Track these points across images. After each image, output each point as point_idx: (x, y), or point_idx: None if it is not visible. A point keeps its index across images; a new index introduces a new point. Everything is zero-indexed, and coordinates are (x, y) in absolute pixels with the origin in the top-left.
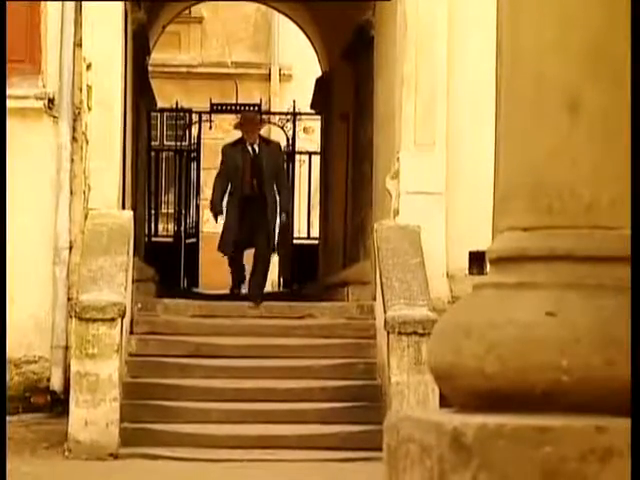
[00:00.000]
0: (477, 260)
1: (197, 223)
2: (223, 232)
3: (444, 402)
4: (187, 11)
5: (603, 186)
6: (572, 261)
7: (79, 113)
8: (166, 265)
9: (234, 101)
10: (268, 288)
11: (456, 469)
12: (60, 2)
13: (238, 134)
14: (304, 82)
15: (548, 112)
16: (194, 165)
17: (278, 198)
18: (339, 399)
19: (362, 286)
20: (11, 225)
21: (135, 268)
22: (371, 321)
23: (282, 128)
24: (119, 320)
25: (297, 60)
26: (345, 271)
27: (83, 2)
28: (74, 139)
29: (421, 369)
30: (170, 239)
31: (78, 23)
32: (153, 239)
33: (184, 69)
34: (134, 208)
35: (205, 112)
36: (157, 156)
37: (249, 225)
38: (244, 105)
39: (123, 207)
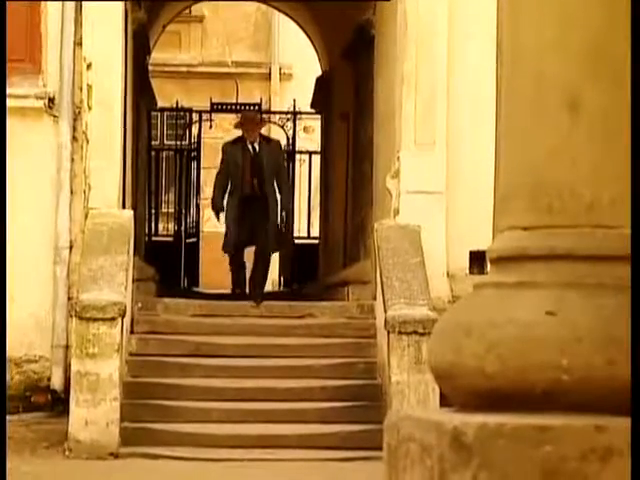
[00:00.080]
0: (477, 259)
1: (197, 222)
2: (225, 232)
3: (444, 401)
4: (187, 10)
5: (603, 185)
6: (572, 260)
7: (79, 112)
8: (166, 264)
9: (234, 100)
10: (268, 287)
11: (456, 468)
12: (60, 2)
13: (238, 133)
14: (304, 81)
15: (548, 111)
16: (194, 164)
17: (279, 196)
18: (339, 398)
19: (362, 285)
20: (11, 224)
21: (135, 267)
22: (371, 320)
23: (282, 127)
24: (119, 319)
25: (297, 59)
26: (345, 270)
27: (83, 2)
28: (74, 138)
29: (421, 368)
30: (170, 238)
31: (78, 22)
32: (153, 238)
33: (184, 68)
34: (134, 207)
35: (205, 111)
36: (157, 155)
37: (249, 224)
38: (244, 104)
39: (123, 206)
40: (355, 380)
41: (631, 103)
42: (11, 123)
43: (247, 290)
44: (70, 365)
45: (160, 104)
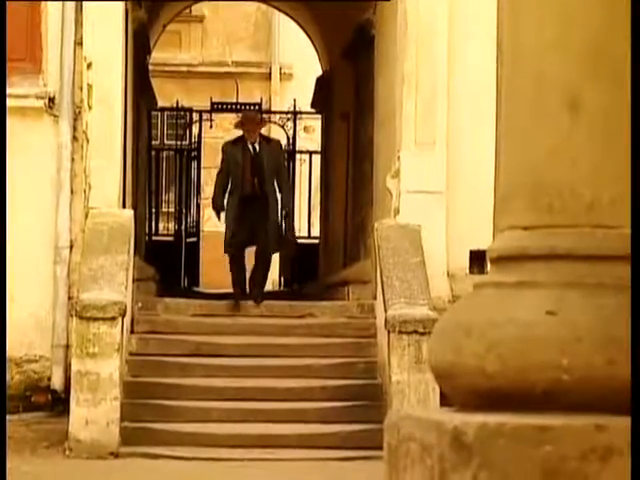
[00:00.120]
0: (478, 259)
1: (198, 222)
2: (225, 231)
3: (445, 401)
4: (188, 10)
5: (603, 185)
6: (572, 260)
7: (79, 112)
8: (167, 264)
9: (235, 100)
10: (269, 287)
11: (457, 468)
12: (61, 2)
13: (238, 133)
14: (304, 81)
15: (548, 111)
16: (195, 164)
17: (279, 196)
18: (339, 398)
19: (362, 285)
20: (12, 224)
21: (136, 267)
22: (372, 320)
23: (282, 127)
24: (120, 319)
25: (297, 59)
26: (346, 270)
27: (84, 1)
28: (74, 138)
29: (422, 368)
30: (171, 238)
31: (79, 22)
32: (154, 238)
33: (184, 68)
34: (135, 207)
35: (206, 111)
36: (158, 155)
37: (250, 224)
38: (244, 104)
39: (124, 206)
40: (355, 380)
41: (631, 103)
42: (11, 123)
43: (247, 290)
44: (70, 365)
45: (160, 104)
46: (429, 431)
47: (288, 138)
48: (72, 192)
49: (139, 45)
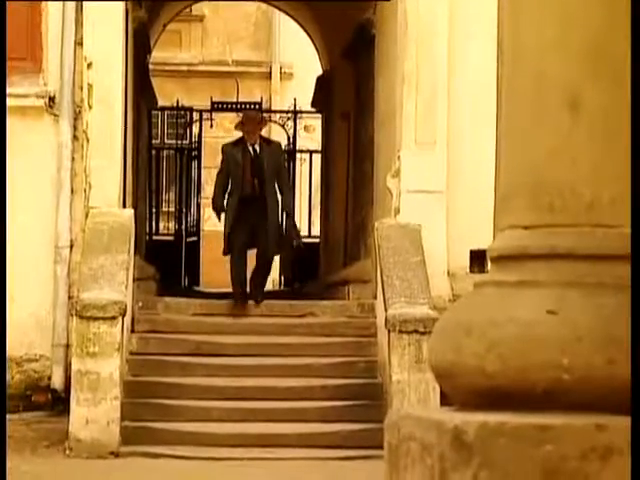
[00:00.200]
0: (478, 258)
1: (198, 221)
2: (225, 233)
3: (445, 400)
4: (188, 9)
5: (603, 185)
6: (573, 259)
7: (80, 112)
8: (167, 263)
9: (235, 99)
10: (269, 286)
11: (457, 467)
12: (61, 1)
13: (239, 132)
14: (305, 80)
15: (549, 111)
16: (195, 163)
17: (280, 198)
18: (340, 397)
19: (363, 284)
20: (12, 224)
21: (136, 266)
22: (372, 319)
23: (283, 126)
24: (120, 318)
25: (298, 58)
26: (346, 270)
27: (84, 1)
28: (75, 137)
29: (422, 367)
30: (171, 237)
31: (79, 22)
32: (154, 237)
33: (185, 67)
34: (135, 206)
35: (206, 110)
36: (158, 154)
37: (250, 225)
38: (245, 103)
39: (124, 205)
40: (356, 379)
41: (631, 103)
42: (11, 122)
43: (248, 290)
44: (70, 364)
45: (161, 103)
46: (429, 430)
47: (288, 137)
48: (72, 191)
49: (139, 44)
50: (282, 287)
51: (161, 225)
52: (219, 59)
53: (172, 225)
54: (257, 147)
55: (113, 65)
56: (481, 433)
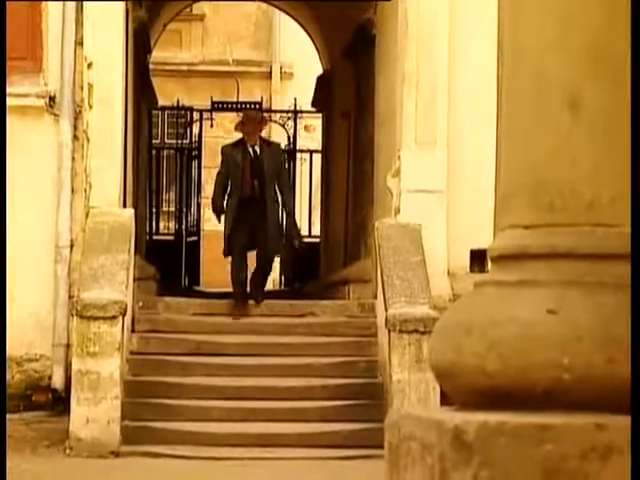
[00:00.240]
0: (478, 258)
1: (198, 221)
2: (225, 234)
3: (445, 400)
4: (188, 9)
5: (603, 184)
6: (573, 259)
7: (80, 111)
8: (167, 263)
9: (235, 99)
10: (269, 286)
11: (457, 467)
12: (61, 1)
13: (239, 133)
14: (305, 80)
15: (549, 111)
16: (195, 163)
17: (280, 199)
18: (340, 397)
19: (363, 284)
20: (12, 223)
21: (136, 266)
22: (372, 319)
23: (283, 126)
24: (120, 318)
25: (298, 58)
26: (346, 269)
27: (84, 1)
28: (75, 137)
29: (422, 367)
30: (171, 237)
31: (79, 22)
32: (154, 237)
33: (185, 67)
34: (135, 206)
35: (206, 110)
36: (158, 154)
37: (250, 226)
38: (245, 103)
39: (124, 205)
40: (356, 379)
41: (631, 102)
42: (12, 122)
43: (248, 290)
44: (71, 364)
45: (161, 103)
46: (430, 430)
47: (289, 137)
48: (73, 191)
49: (140, 44)
50: (282, 287)
51: (161, 225)
52: (219, 59)
53: (172, 225)
54: (257, 148)
55: (113, 65)
56: (481, 433)
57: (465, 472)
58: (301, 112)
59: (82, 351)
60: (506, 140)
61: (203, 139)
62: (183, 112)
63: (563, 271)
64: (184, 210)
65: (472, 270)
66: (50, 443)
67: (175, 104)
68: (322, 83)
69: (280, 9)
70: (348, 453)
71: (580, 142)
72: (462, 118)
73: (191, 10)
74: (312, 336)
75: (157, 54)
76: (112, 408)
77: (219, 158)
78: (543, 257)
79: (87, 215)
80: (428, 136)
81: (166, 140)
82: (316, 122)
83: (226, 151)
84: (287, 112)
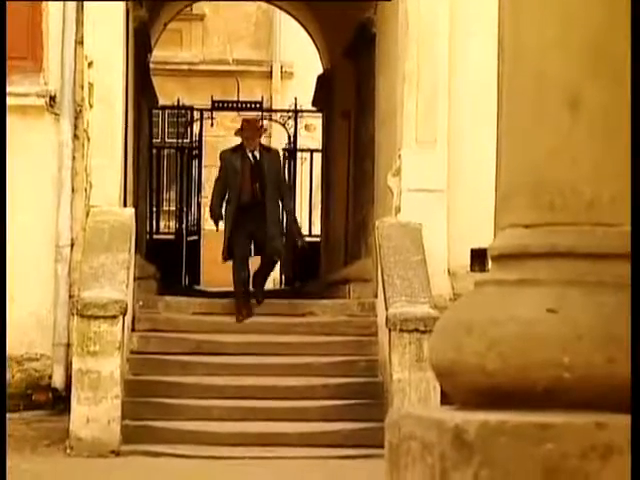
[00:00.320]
0: (479, 257)
1: (198, 220)
2: (225, 241)
3: (445, 399)
4: (189, 9)
5: (604, 183)
6: (573, 258)
7: (80, 111)
8: (167, 263)
9: (236, 98)
10: (269, 285)
11: (458, 466)
12: (62, 1)
13: (238, 130)
14: (305, 79)
15: (549, 110)
16: (195, 162)
17: (281, 204)
18: (340, 396)
19: (363, 283)
20: (12, 223)
21: (136, 265)
22: (372, 318)
23: (284, 125)
24: (120, 317)
25: (298, 57)
26: (346, 268)
27: (85, 1)
28: (75, 137)
29: (422, 366)
30: (171, 236)
31: (80, 21)
32: (154, 236)
33: (185, 66)
34: (135, 205)
35: (206, 109)
36: (158, 153)
37: (250, 233)
38: (245, 102)
39: (124, 204)
40: (356, 378)
41: (631, 101)
42: (12, 121)
43: (251, 288)
44: (71, 363)
45: (161, 102)
46: (430, 429)
47: (289, 136)
48: (73, 190)
49: (140, 44)
50: (283, 286)
51: (162, 224)
52: (220, 58)
53: (173, 224)
54: (257, 153)
55: (114, 64)
56: (482, 432)
57: (465, 471)
58: (301, 111)
59: (82, 350)
60: (506, 139)
61: (203, 138)
62: (183, 111)
63: (563, 270)
64: (184, 209)
65: (472, 269)
66: (50, 442)
67: (175, 103)
68: (322, 82)
69: (280, 8)
70: (348, 452)
71: (580, 141)
72: (462, 117)
73: (191, 10)
74: (312, 335)
75: (157, 53)
76: (112, 407)
77: (220, 153)
78: (543, 256)
79: (87, 214)
80: (428, 135)
81: (166, 139)
82: (316, 121)
83: (225, 157)
84: (287, 111)
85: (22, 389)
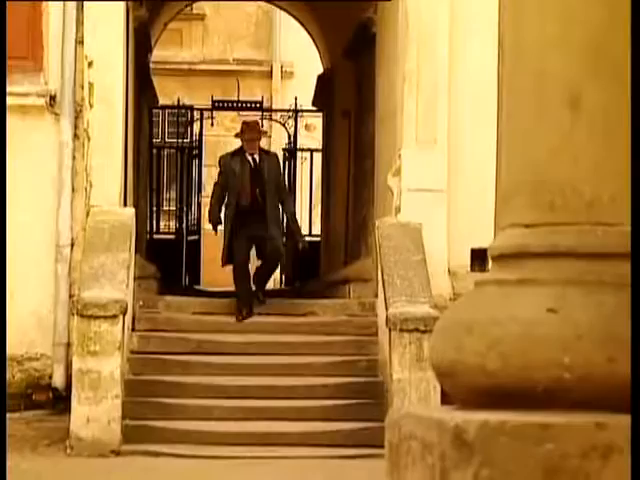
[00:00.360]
0: (479, 257)
1: (199, 220)
2: (223, 246)
3: (446, 399)
4: (189, 8)
5: (604, 183)
6: (573, 257)
7: (81, 110)
8: (168, 262)
9: (236, 98)
10: (270, 285)
11: (458, 466)
12: (62, 1)
13: (238, 136)
14: (306, 79)
15: (549, 109)
16: (196, 162)
17: (281, 207)
18: (341, 396)
19: (364, 283)
20: (12, 223)
21: (137, 265)
22: (373, 318)
23: (284, 125)
24: (121, 317)
25: (299, 57)
26: (347, 268)
27: (85, 0)
28: (76, 136)
29: (423, 366)
30: (172, 236)
31: (80, 21)
32: (155, 236)
33: (186, 66)
34: (136, 205)
35: (207, 109)
36: (159, 153)
37: (251, 237)
38: (246, 102)
39: (125, 204)
40: (357, 378)
41: (631, 100)
42: (12, 121)
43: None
44: (71, 363)
45: (161, 102)
46: (430, 429)
47: (289, 136)
48: (73, 190)
49: (140, 43)
50: (283, 286)
51: (162, 224)
52: (220, 58)
53: (173, 224)
54: (257, 157)
55: (114, 64)
56: (482, 432)
57: (466, 471)
58: (302, 111)
59: (83, 350)
60: (507, 139)
61: (204, 138)
62: (184, 111)
63: (564, 270)
64: (185, 209)
65: (473, 269)
66: (51, 442)
67: (176, 103)
68: (323, 82)
69: (281, 8)
70: (349, 452)
71: (581, 141)
72: (463, 117)
73: (192, 9)
74: (313, 335)
75: (158, 53)
76: (113, 407)
77: (220, 157)
78: (544, 256)
79: (88, 214)
80: (429, 135)
81: (167, 139)
82: (317, 121)
83: (224, 161)
84: (288, 111)
85: (22, 389)
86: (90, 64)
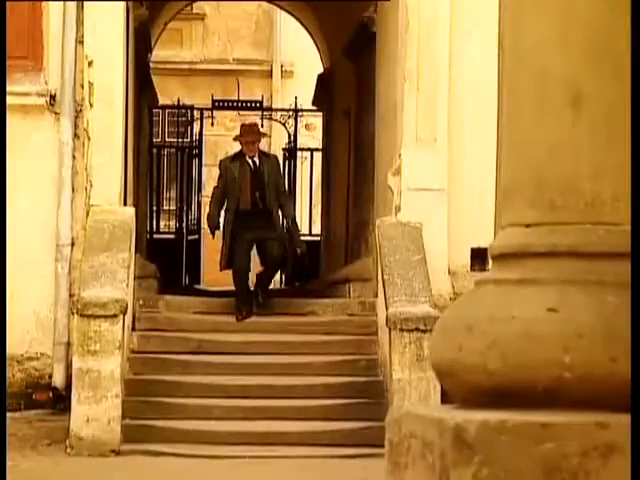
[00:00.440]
0: (479, 256)
1: (199, 220)
2: (222, 249)
3: (446, 398)
4: (189, 8)
5: (604, 182)
6: (574, 257)
7: (81, 110)
8: (168, 262)
9: (236, 98)
10: (270, 285)
11: (458, 465)
12: (62, 0)
13: (237, 134)
14: (306, 79)
15: (550, 108)
16: (196, 162)
17: (281, 211)
18: (341, 395)
19: (364, 283)
20: (13, 222)
21: (137, 265)
22: (373, 318)
23: (284, 125)
24: (121, 316)
25: (299, 57)
26: (347, 268)
27: (85, 0)
28: (76, 136)
29: (423, 365)
30: (172, 236)
31: (80, 20)
32: (155, 236)
33: (186, 66)
34: (136, 205)
35: (207, 109)
36: (159, 153)
37: (251, 241)
38: (246, 102)
39: (125, 204)
40: (357, 377)
41: (632, 99)
42: (12, 120)
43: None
44: (72, 362)
45: (162, 101)
46: (430, 428)
47: (289, 136)
48: (73, 190)
49: (140, 43)
50: (283, 285)
51: (162, 223)
52: (220, 57)
53: (173, 223)
54: (256, 159)
55: (114, 63)
56: (482, 431)
57: (466, 470)
58: (302, 110)
59: (83, 349)
60: (507, 138)
61: (204, 137)
62: (184, 111)
63: (564, 269)
64: (185, 208)
65: (473, 269)
66: (51, 442)
67: (176, 103)
68: (323, 81)
69: (281, 8)
70: (349, 452)
71: (582, 140)
72: (463, 116)
73: (192, 9)
74: (313, 334)
75: (158, 53)
76: (113, 407)
77: (220, 156)
78: (544, 255)
79: (88, 213)
80: (429, 134)
81: (167, 139)
82: (317, 120)
83: (224, 165)
84: (288, 110)
85: (22, 388)
86: (90, 64)
